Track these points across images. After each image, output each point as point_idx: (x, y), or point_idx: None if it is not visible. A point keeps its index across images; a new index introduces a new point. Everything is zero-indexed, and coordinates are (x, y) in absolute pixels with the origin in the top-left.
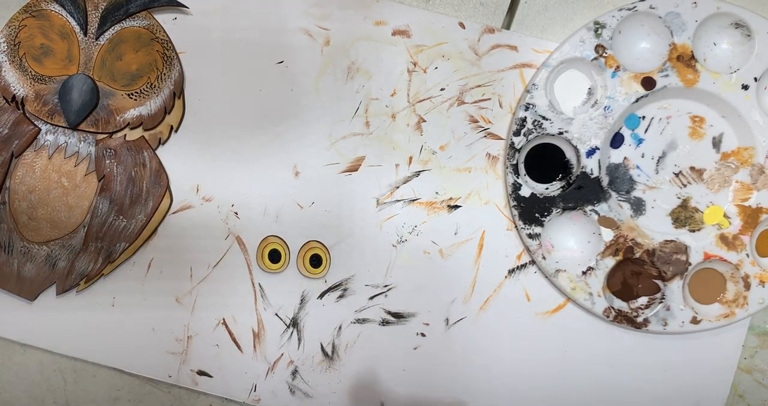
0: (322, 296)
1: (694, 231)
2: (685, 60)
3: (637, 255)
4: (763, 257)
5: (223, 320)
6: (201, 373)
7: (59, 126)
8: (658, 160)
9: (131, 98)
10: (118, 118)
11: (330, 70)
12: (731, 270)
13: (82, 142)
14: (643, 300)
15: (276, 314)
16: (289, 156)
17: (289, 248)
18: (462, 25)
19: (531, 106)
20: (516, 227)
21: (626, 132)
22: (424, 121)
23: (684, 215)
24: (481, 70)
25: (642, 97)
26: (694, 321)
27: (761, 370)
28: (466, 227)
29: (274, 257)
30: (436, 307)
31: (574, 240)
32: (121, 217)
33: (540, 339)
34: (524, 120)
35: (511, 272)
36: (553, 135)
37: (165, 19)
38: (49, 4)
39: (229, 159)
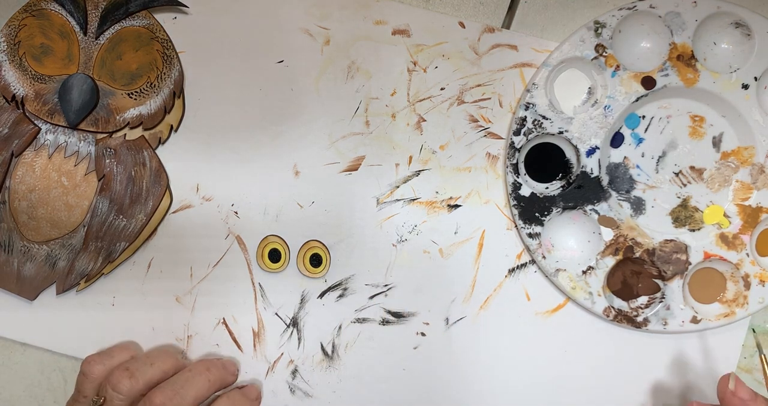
0: (322, 295)
1: (694, 230)
2: (685, 59)
3: (637, 254)
4: (763, 256)
5: (223, 319)
6: None
7: (59, 125)
8: (658, 160)
9: (131, 98)
10: (117, 117)
11: (330, 70)
12: (731, 269)
13: (82, 142)
14: (643, 299)
15: (276, 314)
16: (289, 156)
17: (289, 248)
18: (462, 25)
19: (531, 105)
20: (516, 226)
21: (626, 131)
22: (424, 120)
23: (684, 215)
24: (481, 69)
25: (642, 96)
26: (694, 321)
27: (761, 369)
28: (466, 227)
29: (274, 256)
30: (436, 306)
31: (574, 239)
32: (121, 216)
33: (540, 338)
34: (524, 119)
35: (511, 271)
36: (553, 134)
37: (165, 18)
38: (49, 3)
39: (229, 158)
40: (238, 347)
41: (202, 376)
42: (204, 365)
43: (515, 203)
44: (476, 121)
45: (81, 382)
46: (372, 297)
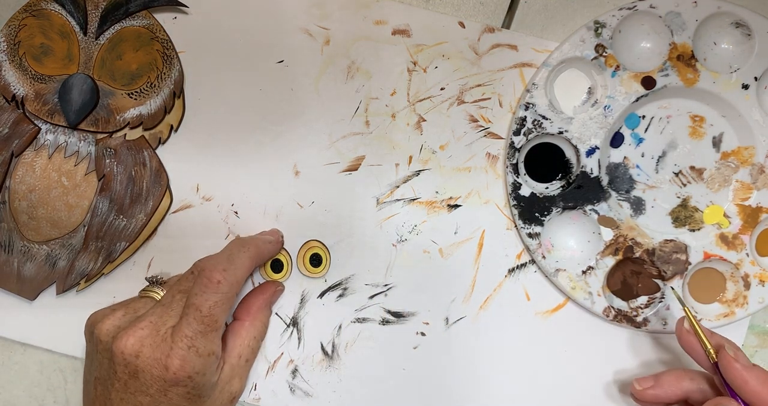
0: (322, 295)
1: (693, 230)
2: (685, 59)
3: (637, 254)
4: (762, 256)
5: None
6: None
7: (59, 125)
8: (658, 160)
9: (131, 98)
10: (118, 117)
11: (330, 70)
12: (731, 269)
13: (82, 142)
14: (642, 299)
15: (276, 313)
16: (289, 156)
17: (291, 257)
18: (462, 25)
19: (531, 105)
20: (516, 226)
21: (626, 131)
22: (424, 120)
23: (684, 215)
24: (481, 69)
25: (642, 96)
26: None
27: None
28: (466, 227)
29: (276, 266)
30: (436, 306)
31: (574, 239)
32: (121, 216)
33: (540, 338)
34: (524, 119)
35: (511, 271)
36: (553, 134)
37: (165, 18)
38: (49, 3)
39: (229, 158)
40: None
41: (241, 249)
42: (240, 242)
43: (515, 203)
44: (476, 121)
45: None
46: (372, 297)
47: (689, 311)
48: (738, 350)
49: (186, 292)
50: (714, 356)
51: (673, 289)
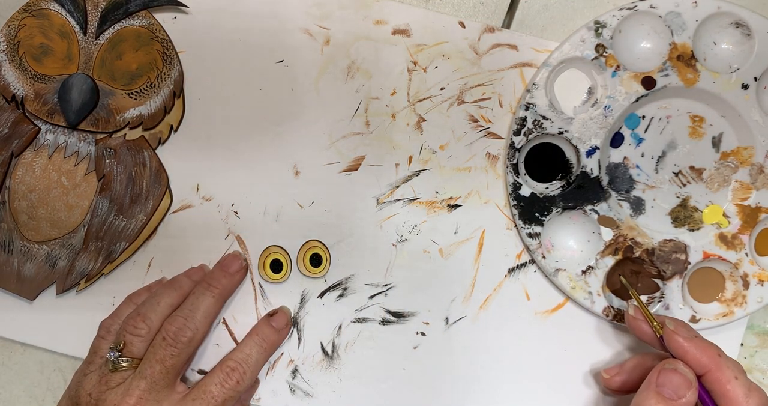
0: (322, 295)
1: (693, 230)
2: (685, 59)
3: (637, 254)
4: (761, 256)
5: (224, 319)
6: (201, 372)
7: (59, 125)
8: (658, 160)
9: (131, 98)
10: (117, 117)
11: (330, 70)
12: (730, 269)
13: (82, 142)
14: (642, 299)
15: None
16: (289, 156)
17: (291, 258)
18: (462, 25)
19: (531, 105)
20: (516, 226)
21: (626, 131)
22: (424, 120)
23: (683, 215)
24: (482, 69)
25: (642, 96)
26: (693, 320)
27: (761, 369)
28: (466, 227)
29: (276, 267)
30: (436, 306)
31: (574, 239)
32: (121, 216)
33: (540, 338)
34: (524, 119)
35: (511, 271)
36: (554, 134)
37: (165, 18)
38: (48, 3)
39: (229, 159)
40: None
41: (206, 295)
42: (205, 284)
43: (515, 203)
44: (476, 121)
45: (97, 344)
46: (372, 297)
47: (635, 293)
48: (680, 325)
49: (162, 361)
50: (660, 330)
51: (620, 276)
